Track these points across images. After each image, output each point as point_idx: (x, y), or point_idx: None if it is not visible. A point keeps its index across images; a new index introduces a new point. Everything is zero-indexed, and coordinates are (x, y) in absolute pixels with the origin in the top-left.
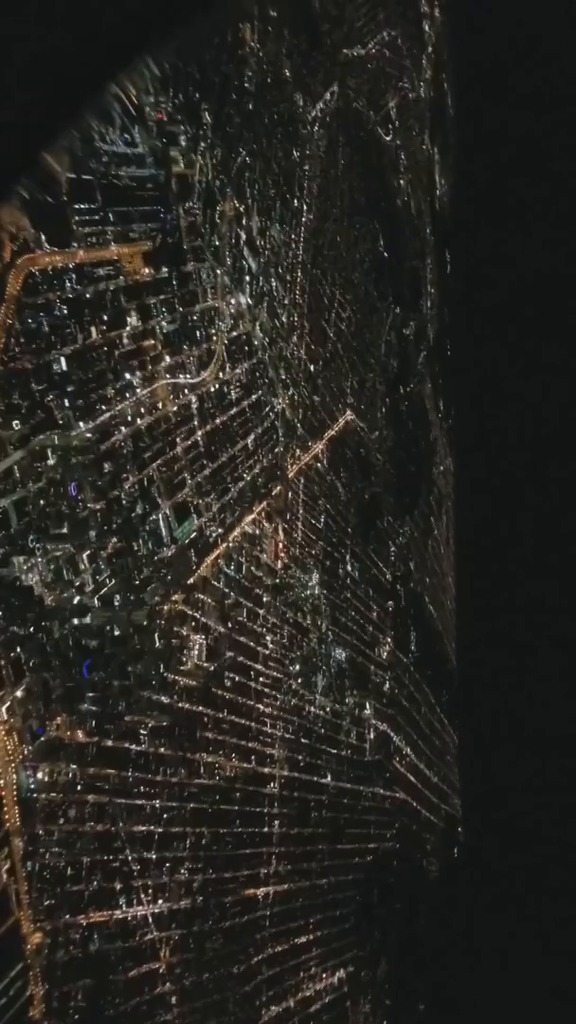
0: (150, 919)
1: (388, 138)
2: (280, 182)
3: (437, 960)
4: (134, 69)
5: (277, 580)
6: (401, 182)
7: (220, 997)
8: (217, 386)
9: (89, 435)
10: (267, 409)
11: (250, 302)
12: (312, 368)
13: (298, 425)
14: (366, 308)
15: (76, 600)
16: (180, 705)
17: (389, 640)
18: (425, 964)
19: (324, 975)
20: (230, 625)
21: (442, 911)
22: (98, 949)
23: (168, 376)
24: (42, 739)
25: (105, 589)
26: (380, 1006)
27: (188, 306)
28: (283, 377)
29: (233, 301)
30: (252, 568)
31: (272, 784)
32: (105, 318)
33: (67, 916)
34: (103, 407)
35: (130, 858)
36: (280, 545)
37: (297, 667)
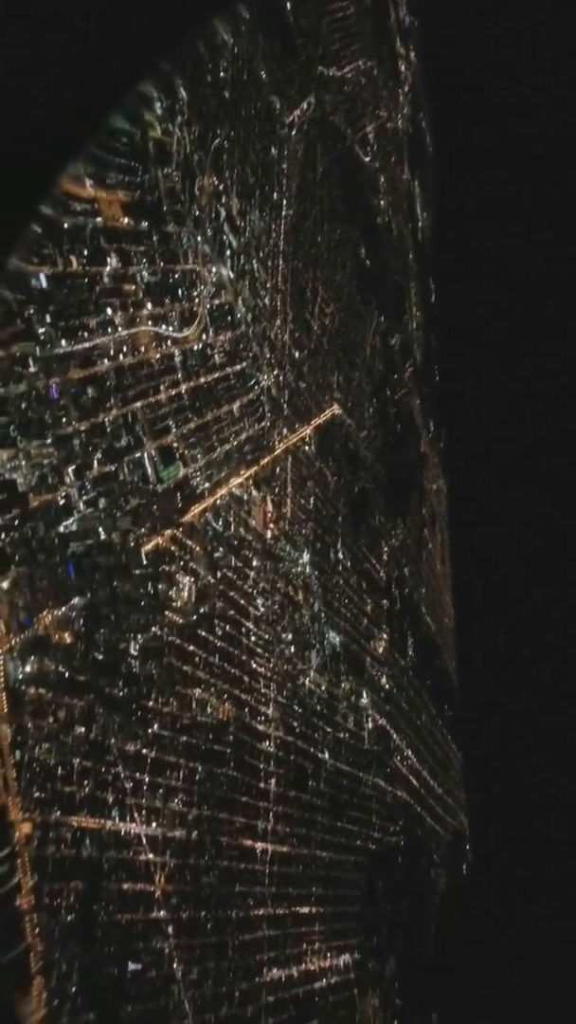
0: (144, 840)
1: (367, 159)
2: (259, 172)
3: (449, 973)
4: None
5: (266, 548)
6: (381, 203)
7: (219, 940)
8: (200, 347)
9: (72, 357)
10: (252, 382)
11: (231, 276)
12: (297, 355)
13: (284, 405)
14: (350, 309)
15: (62, 503)
16: (170, 638)
17: (385, 637)
18: (436, 974)
19: (329, 954)
20: (219, 576)
21: (452, 924)
22: (90, 855)
23: (150, 323)
24: (29, 632)
25: (91, 502)
26: (390, 1004)
27: (168, 263)
28: (268, 356)
29: (214, 270)
30: (240, 529)
31: (267, 743)
32: (85, 252)
33: (57, 814)
34: (85, 334)
35: (122, 775)
36: (268, 515)
37: (289, 636)
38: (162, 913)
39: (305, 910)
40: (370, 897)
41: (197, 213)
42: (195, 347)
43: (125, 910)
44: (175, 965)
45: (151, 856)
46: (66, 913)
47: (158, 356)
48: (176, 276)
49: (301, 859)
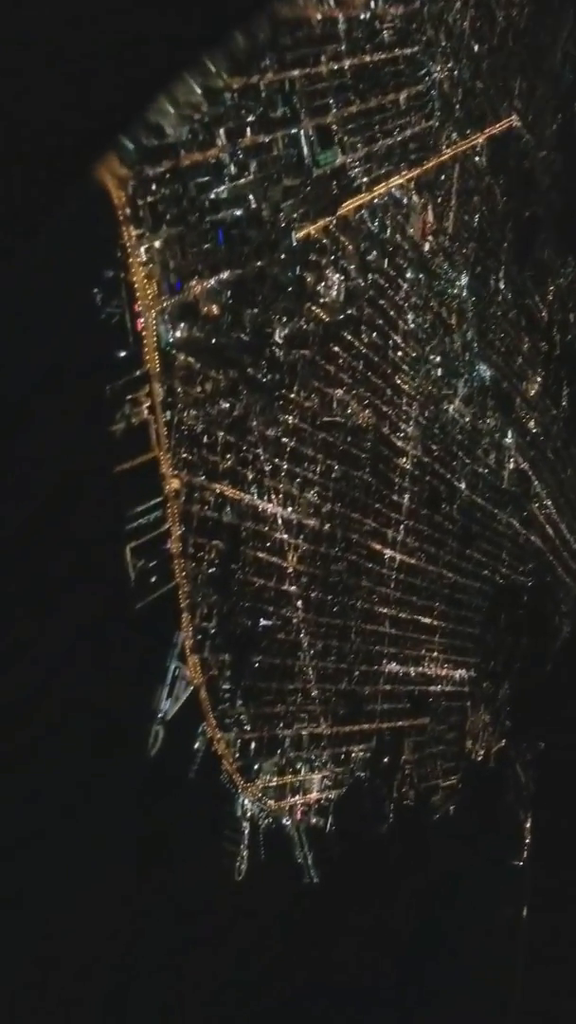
0: (280, 520)
1: None
2: None
3: (560, 714)
4: None
5: (422, 260)
6: None
7: (343, 623)
8: (368, 17)
9: None
10: (423, 72)
11: None
12: (476, 48)
13: (457, 106)
14: (542, 3)
15: (213, 164)
16: (315, 334)
17: (538, 380)
18: (547, 712)
19: (446, 665)
20: (370, 280)
21: (569, 672)
22: (230, 521)
23: None
24: (180, 297)
25: (243, 168)
26: (500, 724)
27: None
28: (443, 44)
29: None
30: (397, 235)
31: (404, 459)
32: None
33: (202, 478)
34: None
35: (262, 456)
36: (428, 225)
37: (437, 359)
38: (293, 588)
39: (427, 620)
40: (491, 624)
41: None
42: (362, 15)
43: (260, 576)
44: (302, 635)
45: (285, 536)
46: (208, 566)
47: (319, 18)
48: None
49: (427, 574)
